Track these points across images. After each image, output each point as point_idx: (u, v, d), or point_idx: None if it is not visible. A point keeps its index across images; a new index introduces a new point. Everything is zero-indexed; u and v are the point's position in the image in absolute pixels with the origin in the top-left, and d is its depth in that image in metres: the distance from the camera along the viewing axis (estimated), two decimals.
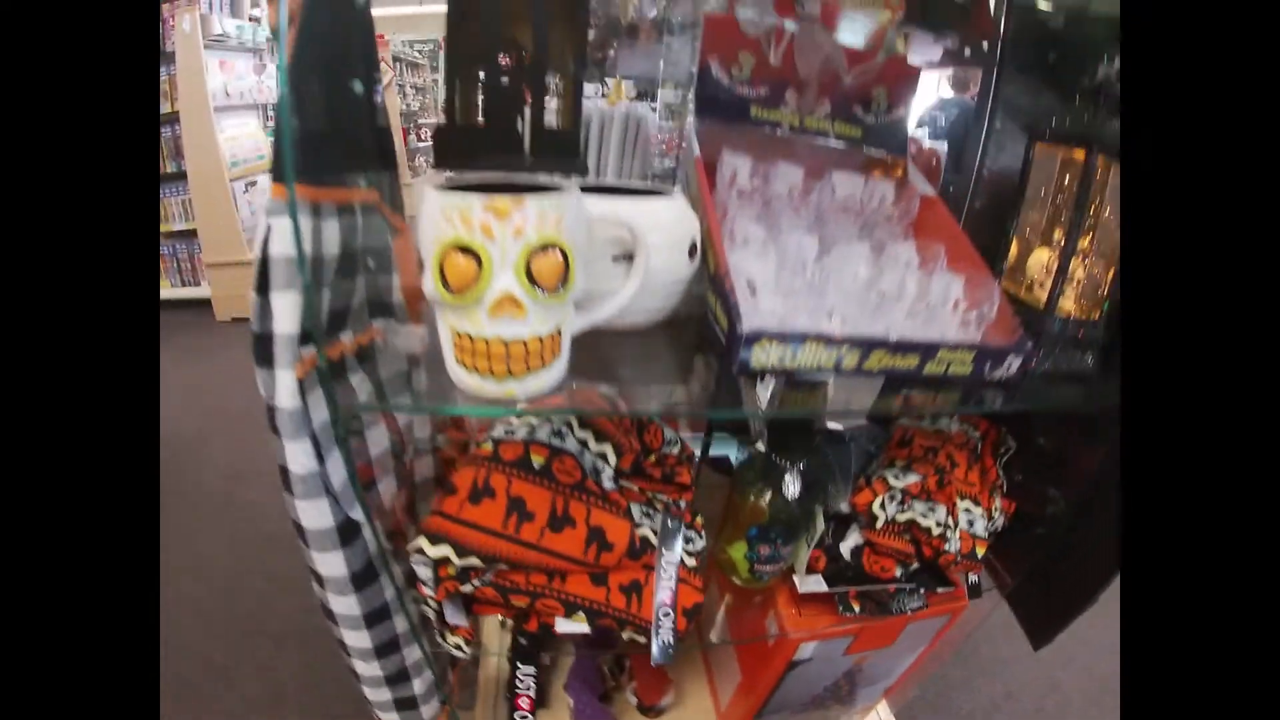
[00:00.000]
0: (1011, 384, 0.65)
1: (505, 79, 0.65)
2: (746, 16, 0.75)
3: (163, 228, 3.27)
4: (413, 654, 0.73)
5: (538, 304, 0.42)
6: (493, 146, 0.66)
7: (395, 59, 5.52)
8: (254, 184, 3.14)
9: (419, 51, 5.81)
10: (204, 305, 3.28)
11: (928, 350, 0.59)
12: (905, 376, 0.60)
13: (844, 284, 0.60)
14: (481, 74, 0.65)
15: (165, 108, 3.11)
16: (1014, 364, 0.63)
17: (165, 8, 3.08)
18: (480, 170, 0.68)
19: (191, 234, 3.21)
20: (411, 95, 5.87)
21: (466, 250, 0.40)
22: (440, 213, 0.40)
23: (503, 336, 0.42)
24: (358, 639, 0.68)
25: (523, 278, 0.40)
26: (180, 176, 3.13)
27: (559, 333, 0.45)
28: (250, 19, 3.26)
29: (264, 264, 0.53)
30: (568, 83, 0.66)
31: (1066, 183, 0.73)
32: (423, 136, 5.74)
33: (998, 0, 0.88)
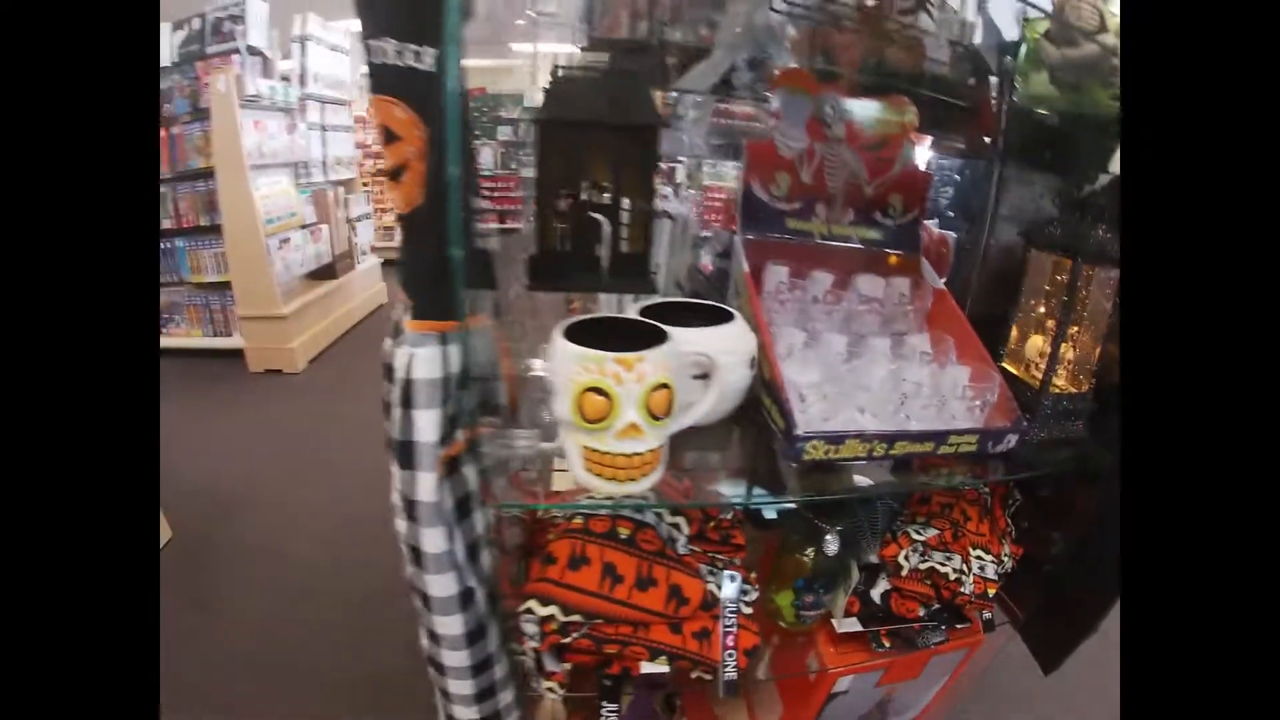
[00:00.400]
0: (1011, 456, 0.78)
1: (587, 211, 0.78)
2: (781, 139, 0.89)
3: (196, 279, 3.43)
4: (505, 698, 0.85)
5: (652, 427, 0.55)
6: (577, 269, 0.79)
7: None
8: (287, 240, 3.29)
9: None
10: (235, 356, 3.39)
11: (940, 437, 0.72)
12: (922, 457, 0.73)
13: (872, 384, 0.73)
14: (566, 205, 0.78)
15: (199, 163, 3.29)
16: (1011, 440, 0.76)
17: (199, 65, 3.27)
18: (567, 290, 0.82)
19: (224, 286, 3.36)
20: None
21: (599, 391, 0.53)
22: (577, 362, 0.53)
23: (625, 452, 0.55)
24: (462, 687, 0.80)
25: (643, 412, 0.54)
26: (213, 230, 3.30)
27: (663, 444, 0.59)
28: (281, 78, 3.44)
29: (408, 385, 0.66)
30: (639, 213, 0.79)
31: (1057, 279, 0.86)
32: None
33: (999, 101, 1.02)
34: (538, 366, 0.86)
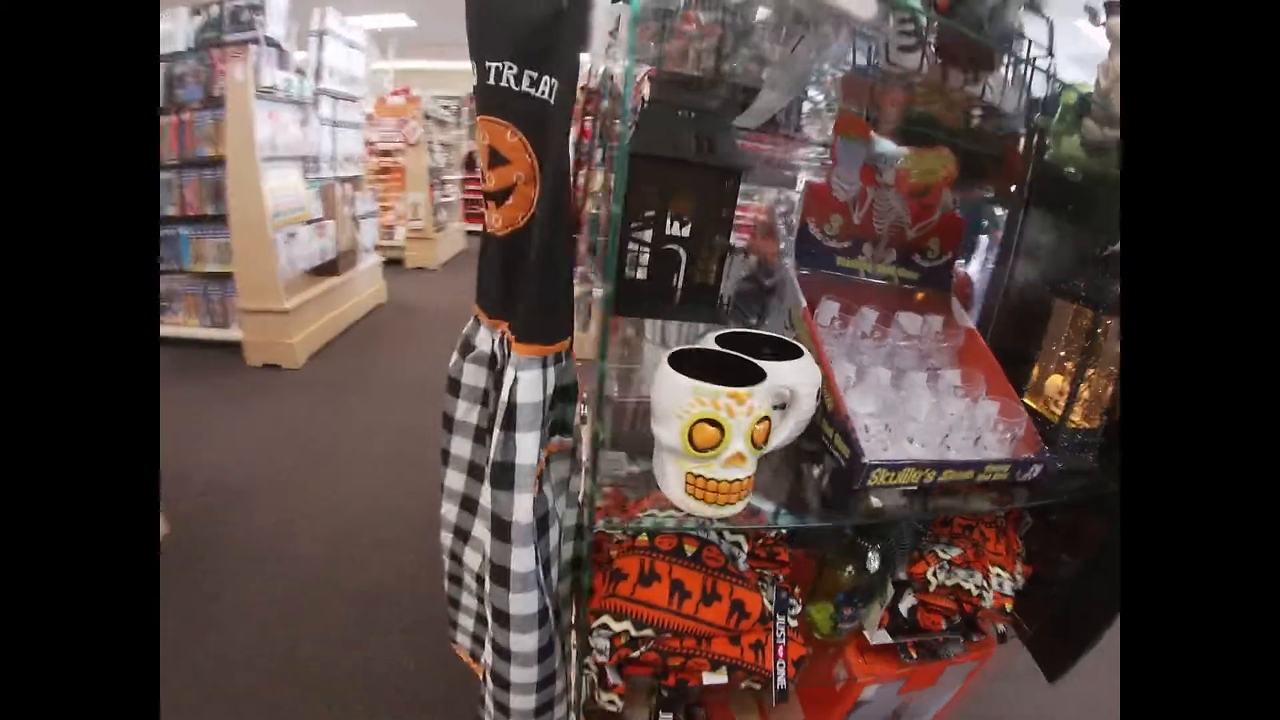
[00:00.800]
0: (1031, 484, 0.86)
1: (667, 244, 0.83)
2: (837, 183, 0.95)
3: (197, 268, 3.41)
4: (559, 712, 0.86)
5: (752, 455, 0.61)
6: (652, 297, 0.84)
7: (426, 116, 5.66)
8: (293, 235, 3.29)
9: (445, 108, 6.02)
10: (232, 348, 3.35)
11: (979, 466, 0.80)
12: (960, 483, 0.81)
13: (918, 416, 0.80)
14: (649, 237, 0.82)
15: (208, 151, 3.26)
16: (1036, 470, 0.84)
17: (215, 53, 3.24)
18: (641, 316, 0.87)
19: (225, 277, 3.34)
20: (439, 151, 6.07)
21: (713, 422, 0.59)
22: (692, 394, 0.59)
23: (729, 478, 0.61)
24: (524, 703, 0.80)
25: (749, 441, 0.60)
26: (217, 219, 3.27)
27: (755, 470, 0.65)
28: (297, 71, 3.43)
29: (511, 408, 0.68)
30: (713, 249, 0.84)
31: (1079, 326, 0.94)
32: (447, 193, 5.98)
33: (1024, 152, 1.10)
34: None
